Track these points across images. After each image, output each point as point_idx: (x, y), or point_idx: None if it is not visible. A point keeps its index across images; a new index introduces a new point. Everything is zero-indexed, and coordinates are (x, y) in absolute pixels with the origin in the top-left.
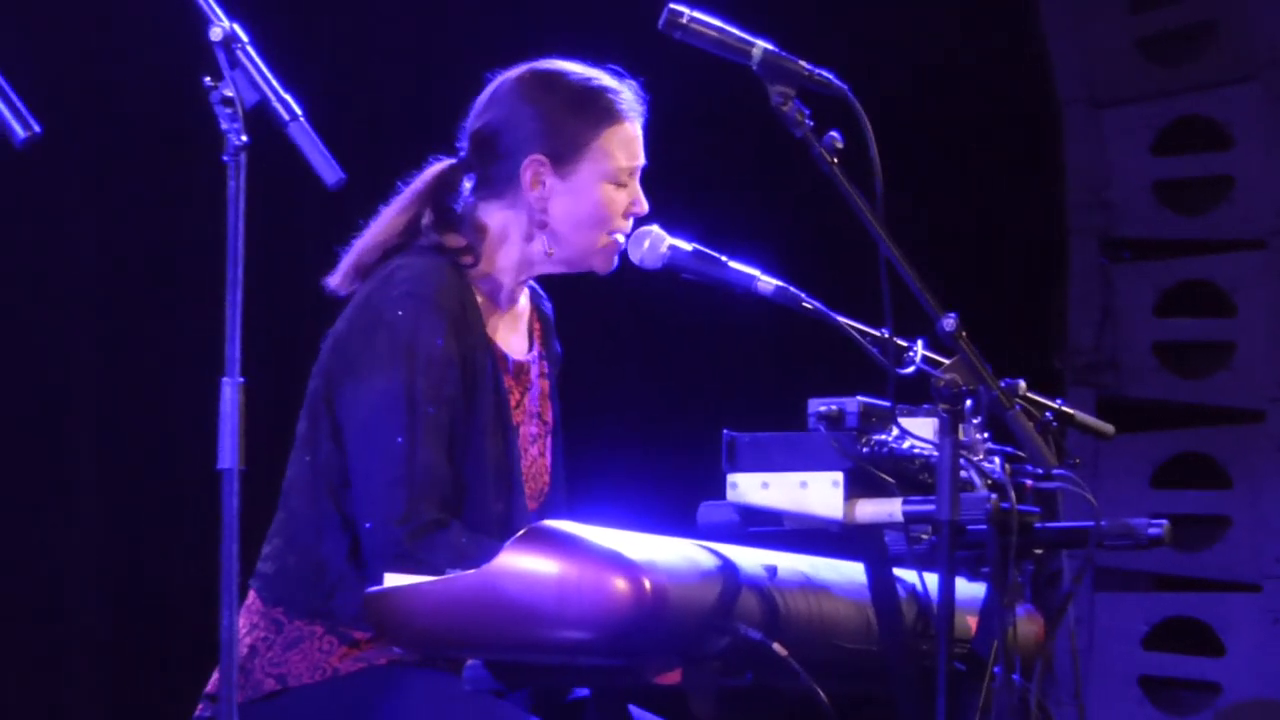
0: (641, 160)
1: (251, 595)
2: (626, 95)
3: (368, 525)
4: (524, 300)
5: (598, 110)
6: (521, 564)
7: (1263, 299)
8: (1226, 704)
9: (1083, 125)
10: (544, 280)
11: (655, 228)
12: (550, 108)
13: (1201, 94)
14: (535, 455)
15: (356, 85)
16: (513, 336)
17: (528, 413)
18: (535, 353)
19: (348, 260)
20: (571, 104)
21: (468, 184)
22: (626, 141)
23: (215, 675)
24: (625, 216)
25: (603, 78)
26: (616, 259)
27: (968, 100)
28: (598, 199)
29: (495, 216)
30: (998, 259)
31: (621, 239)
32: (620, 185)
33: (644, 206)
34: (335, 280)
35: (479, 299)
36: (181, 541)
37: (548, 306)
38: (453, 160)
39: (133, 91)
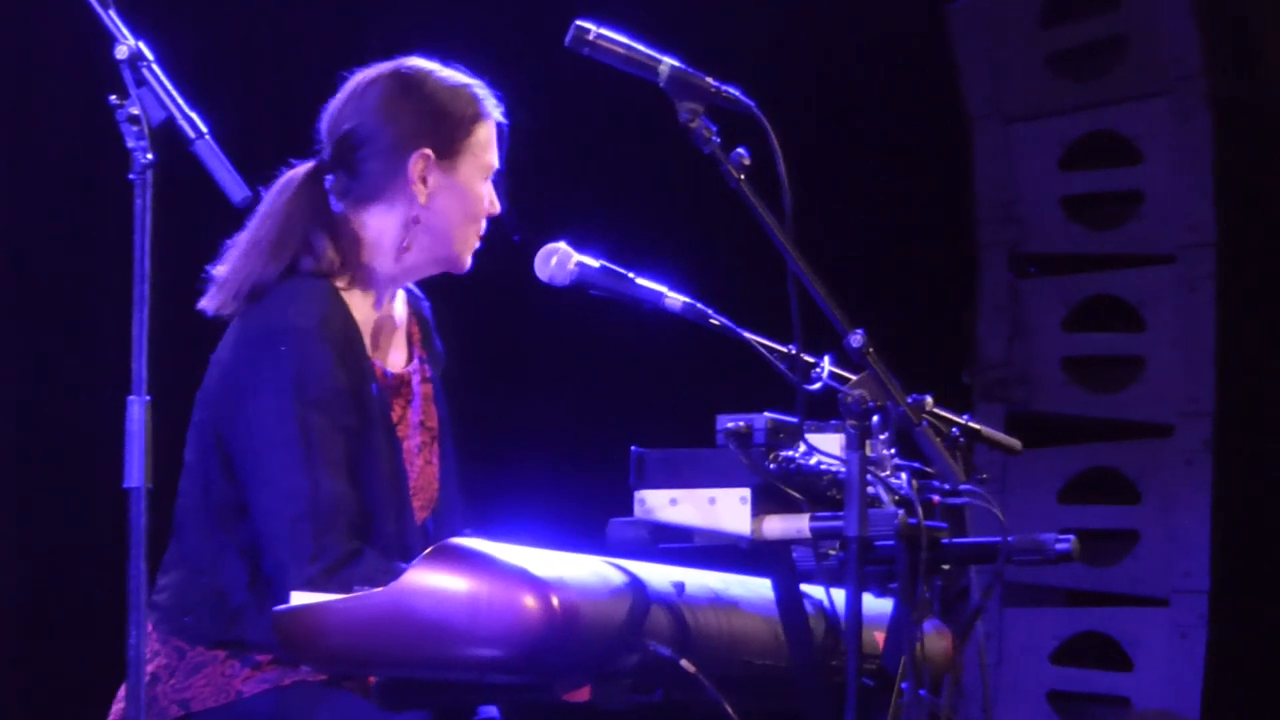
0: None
1: (149, 625)
2: (487, 93)
3: (277, 565)
4: (400, 307)
5: (472, 107)
6: (431, 581)
7: (1172, 314)
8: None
9: (992, 140)
10: (442, 288)
11: (563, 244)
12: (428, 104)
13: (1111, 109)
14: (422, 465)
15: (265, 102)
16: (392, 350)
17: (410, 425)
18: (415, 361)
19: (229, 283)
20: (448, 100)
21: (332, 188)
22: (492, 138)
23: (116, 705)
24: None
25: (464, 76)
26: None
27: (879, 114)
28: (475, 193)
29: (370, 221)
30: (908, 274)
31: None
32: (486, 180)
33: (498, 206)
34: (214, 304)
35: (358, 317)
36: (103, 559)
37: (425, 307)
38: (311, 164)
39: (50, 107)
